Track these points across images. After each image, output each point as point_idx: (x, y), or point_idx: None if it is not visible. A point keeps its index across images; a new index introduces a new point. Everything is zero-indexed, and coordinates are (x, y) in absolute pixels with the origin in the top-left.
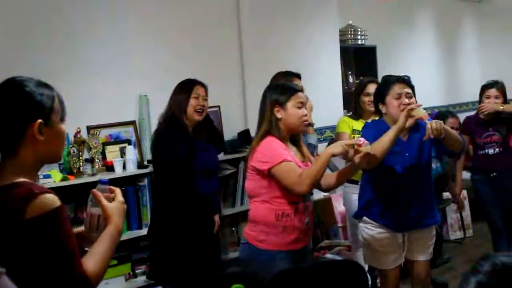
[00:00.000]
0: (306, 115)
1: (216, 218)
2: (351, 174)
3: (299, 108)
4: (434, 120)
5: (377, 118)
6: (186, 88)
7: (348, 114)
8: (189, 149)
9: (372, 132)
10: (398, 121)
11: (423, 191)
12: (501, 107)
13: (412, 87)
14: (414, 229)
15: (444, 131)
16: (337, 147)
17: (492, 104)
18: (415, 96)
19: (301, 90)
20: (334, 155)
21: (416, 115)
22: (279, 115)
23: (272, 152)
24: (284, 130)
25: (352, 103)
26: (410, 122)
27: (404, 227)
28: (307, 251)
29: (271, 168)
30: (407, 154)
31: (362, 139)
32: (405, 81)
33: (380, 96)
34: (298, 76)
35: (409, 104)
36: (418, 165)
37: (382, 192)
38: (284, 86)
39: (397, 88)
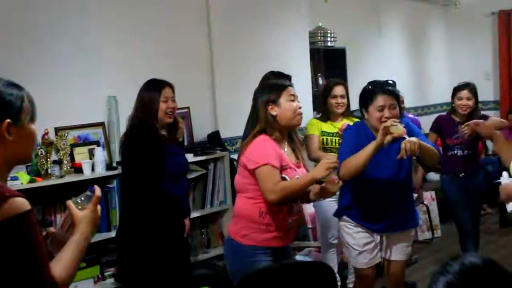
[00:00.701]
0: (300, 107)
1: (187, 221)
2: (323, 196)
3: (292, 101)
4: (409, 139)
5: (345, 120)
6: (154, 90)
7: (317, 116)
8: (159, 151)
9: (353, 138)
10: (377, 139)
11: (403, 197)
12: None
13: (397, 96)
14: (393, 232)
15: (418, 150)
16: (320, 172)
17: (473, 127)
18: (400, 106)
19: (290, 85)
20: (317, 179)
21: (394, 132)
22: (274, 113)
23: (262, 152)
24: (281, 127)
25: (320, 105)
26: (388, 139)
27: (382, 230)
28: (288, 250)
29: (255, 168)
30: (387, 161)
31: (335, 178)
32: (390, 92)
33: (363, 103)
34: (288, 78)
35: (391, 117)
36: (399, 172)
37: (362, 197)
38: (272, 84)
39: (380, 100)
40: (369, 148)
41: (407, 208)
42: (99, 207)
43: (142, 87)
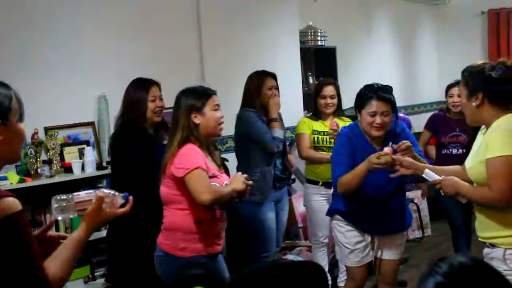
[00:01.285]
0: (222, 117)
1: None
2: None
3: (216, 110)
4: (409, 160)
5: (336, 119)
6: (142, 90)
7: (308, 115)
8: (150, 151)
9: (346, 147)
10: (369, 164)
11: (396, 202)
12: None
13: (392, 103)
14: (385, 235)
15: (407, 156)
16: (239, 185)
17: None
18: (395, 111)
19: (215, 93)
20: (236, 191)
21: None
22: (197, 121)
23: (191, 158)
24: (202, 136)
25: (311, 104)
26: (378, 167)
27: (374, 232)
28: (221, 255)
29: (186, 174)
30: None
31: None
32: (384, 98)
33: (357, 105)
34: (273, 75)
35: (381, 124)
36: (391, 177)
37: (355, 202)
38: (198, 91)
39: (373, 106)
40: (363, 169)
41: (400, 213)
42: None
43: (129, 87)
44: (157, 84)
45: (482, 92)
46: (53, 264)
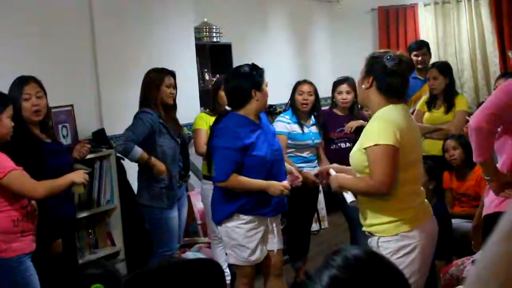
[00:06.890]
0: (13, 125)
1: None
2: None
3: (10, 119)
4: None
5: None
6: (15, 88)
7: (205, 110)
8: (36, 154)
9: (233, 145)
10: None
11: (282, 174)
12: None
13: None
14: (278, 213)
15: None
16: (79, 176)
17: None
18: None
19: (14, 102)
20: (74, 183)
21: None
22: None
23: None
24: None
25: (210, 99)
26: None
27: (273, 210)
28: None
29: (3, 177)
30: (268, 140)
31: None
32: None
33: (254, 85)
34: (171, 73)
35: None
36: (277, 148)
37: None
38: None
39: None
40: (262, 186)
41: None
42: None
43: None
44: (35, 80)
45: (373, 77)
46: None
